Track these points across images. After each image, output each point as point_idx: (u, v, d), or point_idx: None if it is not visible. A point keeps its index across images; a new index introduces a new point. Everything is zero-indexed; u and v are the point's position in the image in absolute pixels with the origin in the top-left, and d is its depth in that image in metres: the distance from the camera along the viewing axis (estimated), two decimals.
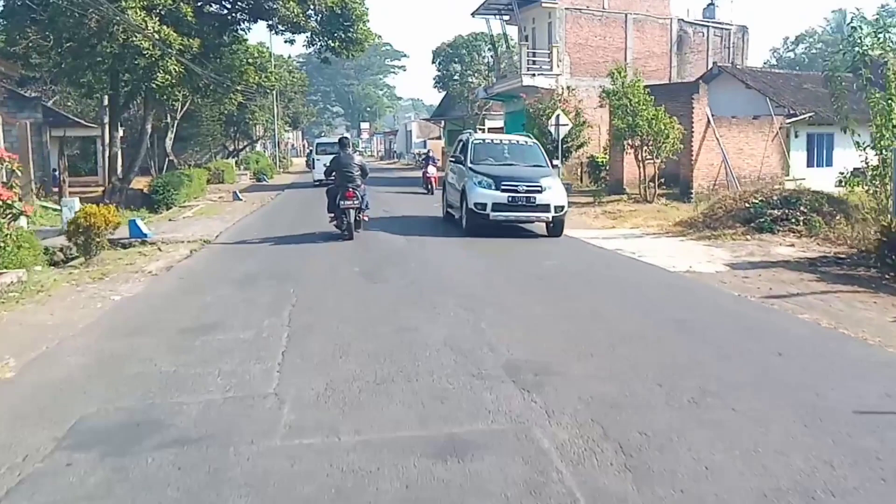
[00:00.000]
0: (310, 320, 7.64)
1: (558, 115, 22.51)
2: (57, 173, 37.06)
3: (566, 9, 32.66)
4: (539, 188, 14.49)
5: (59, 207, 20.15)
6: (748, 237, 14.62)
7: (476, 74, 46.72)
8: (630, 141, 23.15)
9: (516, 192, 14.35)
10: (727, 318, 8.10)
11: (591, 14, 33.34)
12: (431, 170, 27.16)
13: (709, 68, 33.68)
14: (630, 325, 7.51)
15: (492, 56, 47.24)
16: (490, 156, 16.07)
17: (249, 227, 17.35)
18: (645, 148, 22.83)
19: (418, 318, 7.73)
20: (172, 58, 23.14)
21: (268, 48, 44.96)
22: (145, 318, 8.02)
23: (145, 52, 22.14)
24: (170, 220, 20.16)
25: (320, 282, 10.06)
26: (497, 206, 14.34)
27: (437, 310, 8.09)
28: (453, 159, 17.47)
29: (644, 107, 22.48)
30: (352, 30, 26.98)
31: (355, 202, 14.01)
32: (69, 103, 43.28)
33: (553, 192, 14.67)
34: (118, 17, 21.45)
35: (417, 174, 44.00)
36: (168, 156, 37.59)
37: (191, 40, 23.95)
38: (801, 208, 15.43)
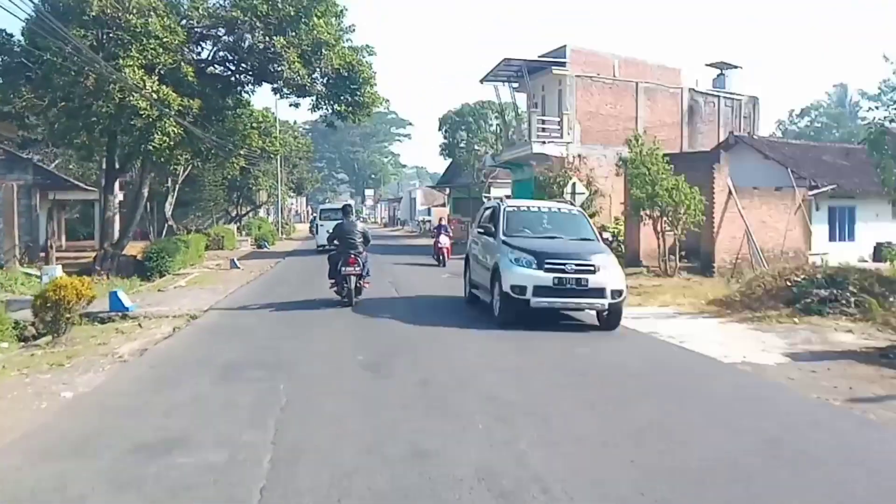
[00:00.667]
0: (300, 435, 5.92)
1: (574, 184, 21.12)
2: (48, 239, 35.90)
3: (577, 76, 31.68)
4: (591, 267, 11.62)
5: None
6: (795, 320, 12.91)
7: (482, 142, 45.76)
8: (648, 211, 21.68)
9: (563, 272, 11.46)
10: (824, 434, 6.39)
11: (601, 82, 32.37)
12: (444, 240, 24.86)
13: (724, 138, 32.54)
14: (712, 449, 5.77)
15: (499, 124, 46.41)
16: (526, 227, 13.16)
17: (243, 300, 15.76)
18: (664, 219, 21.36)
19: (439, 432, 5.99)
20: (171, 119, 21.92)
21: (273, 113, 44.12)
22: (94, 425, 6.32)
23: (142, 113, 20.91)
24: (159, 290, 18.55)
25: (317, 375, 8.38)
26: (539, 290, 11.41)
27: (462, 420, 6.36)
28: (481, 230, 14.23)
29: (664, 175, 21.10)
30: (358, 93, 25.84)
31: (356, 269, 13.97)
32: (70, 166, 42.22)
33: (608, 272, 11.81)
34: (115, 76, 20.30)
35: (423, 242, 42.82)
36: (167, 221, 36.24)
37: (191, 101, 22.78)
38: (851, 288, 13.82)
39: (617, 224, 29.88)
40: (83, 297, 11.47)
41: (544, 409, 6.85)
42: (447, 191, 58.50)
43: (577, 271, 11.53)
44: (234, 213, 50.34)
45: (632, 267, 23.36)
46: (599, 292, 11.58)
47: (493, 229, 13.06)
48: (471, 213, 46.03)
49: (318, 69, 26.04)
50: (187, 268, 25.93)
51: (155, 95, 21.09)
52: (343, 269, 13.88)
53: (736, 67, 38.12)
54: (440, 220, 29.12)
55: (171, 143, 22.80)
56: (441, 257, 24.72)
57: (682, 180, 20.79)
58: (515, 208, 13.87)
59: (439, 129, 47.72)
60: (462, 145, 46.59)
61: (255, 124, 35.24)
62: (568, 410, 6.82)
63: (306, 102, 28.56)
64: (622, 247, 29.60)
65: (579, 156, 29.64)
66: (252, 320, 12.86)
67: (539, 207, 14.53)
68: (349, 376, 8.21)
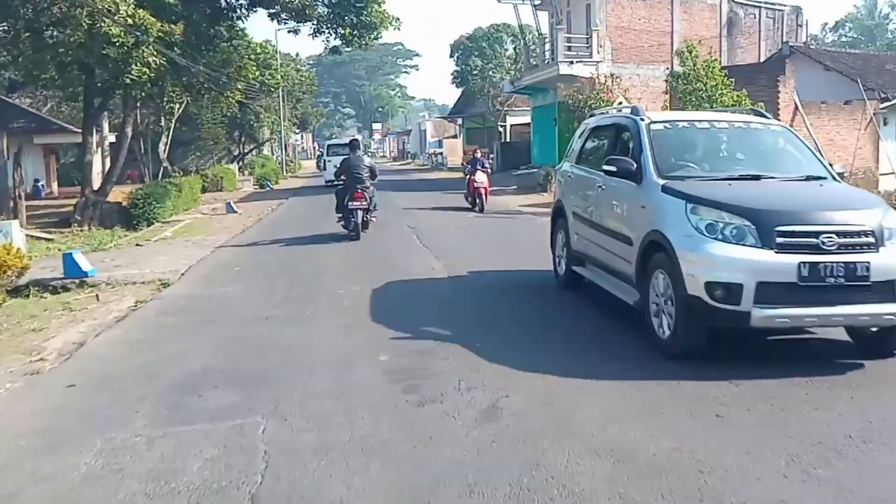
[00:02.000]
0: None
1: (621, 105, 17.72)
2: (39, 185, 32.81)
3: None
4: (869, 238, 5.54)
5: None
6: None
7: (498, 68, 41.91)
8: None
9: (819, 250, 5.42)
10: None
11: None
12: (481, 177, 19.01)
13: (767, 53, 28.96)
14: None
15: (517, 47, 42.51)
16: (696, 159, 7.13)
17: (230, 258, 12.75)
18: None
19: None
20: (150, 47, 18.57)
21: (273, 45, 40.36)
22: None
23: (116, 41, 17.59)
24: (138, 244, 15.51)
25: (318, 398, 5.20)
26: (771, 291, 5.41)
27: None
28: (587, 168, 8.33)
29: (723, 91, 17.78)
30: (364, 13, 22.31)
31: (363, 203, 13.82)
32: (63, 108, 38.94)
33: None
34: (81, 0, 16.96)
35: (438, 176, 39.36)
36: (162, 162, 33.03)
37: (172, 26, 19.38)
38: None
39: None
40: (10, 268, 8.48)
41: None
42: (459, 122, 54.81)
43: (843, 248, 5.44)
44: (236, 153, 47.02)
45: None
46: (890, 290, 5.46)
47: (630, 166, 6.78)
48: (485, 143, 42.57)
49: None
50: (180, 214, 22.92)
51: (130, 21, 17.70)
52: (350, 203, 13.68)
53: None
54: (474, 152, 21.39)
55: (152, 74, 19.51)
56: (479, 200, 19.09)
57: (744, 95, 17.50)
58: (667, 125, 7.41)
59: (451, 56, 43.86)
60: (475, 72, 42.74)
61: (252, 56, 31.89)
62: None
63: (307, 29, 25.12)
64: None
65: (612, 75, 26.05)
66: (238, 289, 9.83)
67: (710, 122, 7.68)
68: (373, 399, 5.09)
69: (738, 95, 17.37)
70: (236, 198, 28.57)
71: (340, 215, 14.27)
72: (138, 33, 17.70)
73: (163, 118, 32.45)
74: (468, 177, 19.64)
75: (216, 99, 28.68)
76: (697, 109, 17.82)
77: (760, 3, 32.39)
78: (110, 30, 17.23)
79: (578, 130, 9.26)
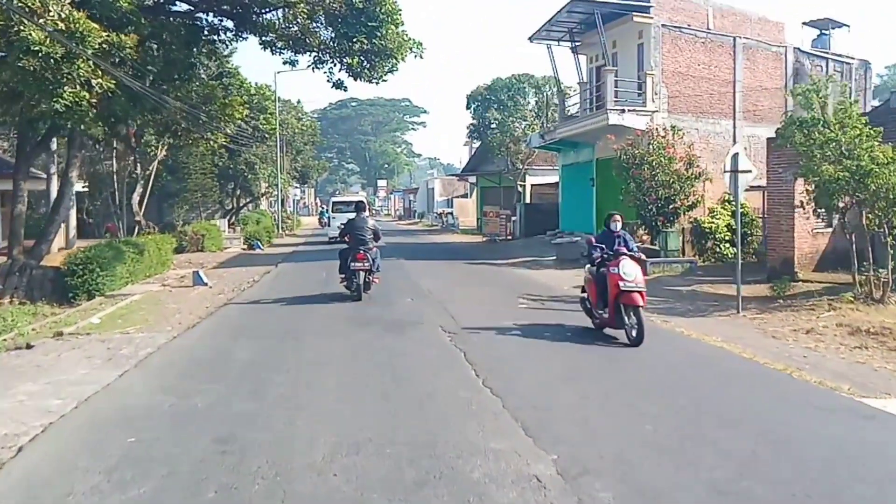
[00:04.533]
0: None
1: (736, 157, 12.33)
2: None
3: (663, 26, 23.01)
4: None
5: None
6: None
7: (519, 122, 37.05)
8: (841, 199, 13.15)
9: None
10: None
11: (692, 35, 23.66)
12: (631, 270, 9.17)
13: (885, 100, 23.92)
14: None
15: (538, 101, 37.74)
16: None
17: (140, 400, 7.16)
18: (865, 211, 12.81)
19: None
20: (88, 62, 13.44)
21: (269, 87, 35.53)
22: None
23: (36, 49, 12.44)
24: (58, 333, 10.12)
25: None
26: None
27: None
28: None
29: (868, 144, 12.58)
30: (378, 34, 17.19)
31: (366, 264, 13.31)
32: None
33: None
34: None
35: (452, 239, 33.69)
36: (136, 216, 27.71)
37: (122, 36, 14.29)
38: None
39: (712, 218, 21.39)
40: None
41: None
42: (471, 180, 49.83)
43: None
44: (230, 207, 41.81)
45: (775, 279, 14.79)
46: None
47: None
48: (502, 204, 37.39)
49: (319, 6, 17.56)
50: (138, 282, 17.60)
51: (62, 25, 12.64)
52: (353, 264, 13.32)
53: (842, 26, 29.40)
54: (608, 218, 10.30)
55: (93, 100, 14.30)
56: (635, 320, 8.96)
57: None
58: None
59: (467, 108, 38.96)
60: (493, 126, 37.84)
61: (243, 95, 26.98)
62: None
63: (306, 60, 20.09)
64: (751, 249, 21.13)
65: (673, 128, 21.00)
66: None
67: None
68: None
69: (894, 149, 12.23)
70: (217, 261, 23.20)
71: (343, 276, 13.74)
72: (72, 42, 12.57)
73: (138, 165, 27.21)
74: (595, 269, 9.88)
75: (198, 144, 23.49)
76: (838, 164, 12.59)
77: (828, 54, 27.65)
78: (30, 35, 12.10)
79: None
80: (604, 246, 9.75)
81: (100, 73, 14.30)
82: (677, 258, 18.70)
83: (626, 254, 9.42)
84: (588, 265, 10.35)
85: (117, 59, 16.33)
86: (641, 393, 6.61)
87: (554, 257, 22.17)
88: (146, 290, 16.20)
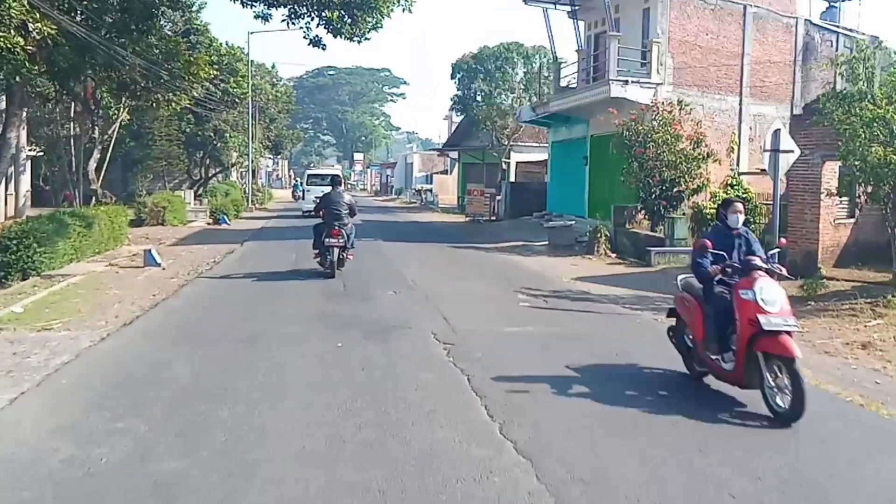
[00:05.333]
0: None
1: (777, 133, 10.35)
2: None
3: None
4: None
5: None
6: None
7: (507, 93, 34.95)
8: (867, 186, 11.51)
9: None
10: None
11: (702, 1, 21.77)
12: (773, 294, 5.68)
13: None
14: None
15: (527, 72, 35.66)
16: None
17: (57, 418, 5.25)
18: None
19: None
20: (22, 1, 11.34)
21: (242, 49, 33.08)
22: None
23: None
24: None
25: None
26: None
27: None
28: None
29: None
30: None
31: (340, 240, 12.95)
32: None
33: None
34: None
35: (432, 218, 31.48)
36: (91, 184, 25.38)
37: None
38: None
39: (713, 203, 19.66)
40: None
41: None
42: (452, 155, 47.77)
43: None
44: (198, 177, 39.41)
45: (803, 276, 13.10)
46: None
47: None
48: (484, 181, 35.43)
49: None
50: (85, 260, 15.55)
51: None
52: (327, 239, 12.85)
53: None
54: (728, 209, 6.58)
55: (31, 48, 12.20)
56: (794, 392, 5.36)
57: None
58: None
59: (452, 77, 36.70)
60: (479, 98, 35.74)
61: (213, 56, 24.72)
62: None
63: (281, 14, 18.01)
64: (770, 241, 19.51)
65: (680, 102, 19.20)
66: None
67: None
68: None
69: None
70: (177, 237, 21.08)
71: (317, 251, 13.37)
72: None
73: (97, 129, 24.84)
74: (705, 286, 6.35)
75: (159, 105, 21.21)
76: (884, 147, 10.89)
77: (838, 28, 25.91)
78: None
79: None
80: (724, 254, 6.18)
81: (38, 15, 12.20)
82: (685, 248, 16.97)
83: (759, 267, 5.91)
84: (683, 278, 6.91)
85: (62, 3, 14.22)
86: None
87: (545, 242, 20.36)
88: (90, 271, 14.12)
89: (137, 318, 9.29)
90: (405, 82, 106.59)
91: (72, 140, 27.53)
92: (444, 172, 53.87)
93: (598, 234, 18.21)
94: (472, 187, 30.36)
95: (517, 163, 36.41)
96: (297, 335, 8.12)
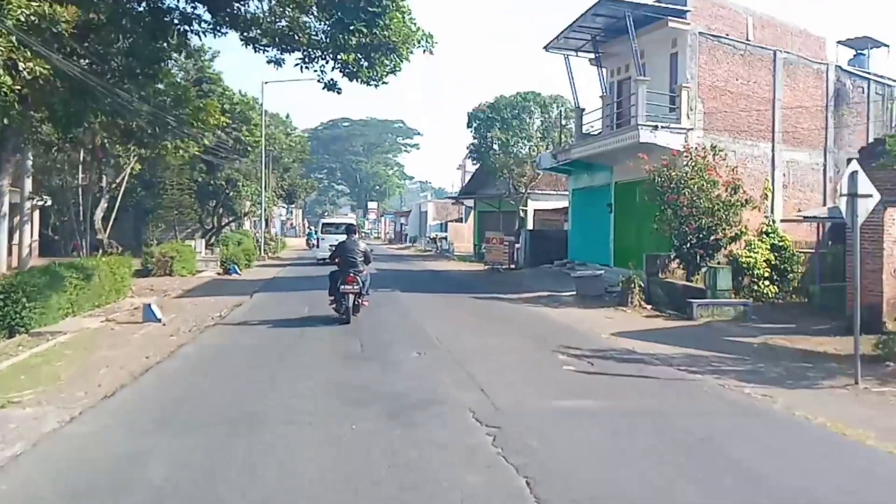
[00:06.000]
0: None
1: (855, 175, 8.99)
2: None
3: (700, 34, 20.00)
4: None
5: None
6: None
7: (524, 142, 33.90)
8: None
9: None
10: None
11: (731, 46, 20.64)
12: None
13: (875, 136, 21.12)
14: None
15: (543, 121, 34.66)
16: None
17: None
18: None
19: None
20: (10, 37, 10.25)
21: (256, 99, 32.26)
22: None
23: None
24: None
25: None
26: None
27: None
28: None
29: None
30: (379, 22, 13.98)
31: (355, 287, 12.87)
32: None
33: None
34: None
35: (450, 267, 29.51)
36: (97, 234, 24.25)
37: (58, 7, 11.09)
38: None
39: (750, 251, 18.24)
40: None
41: None
42: (467, 203, 46.62)
43: None
44: (210, 226, 38.31)
45: (870, 332, 11.54)
46: None
47: None
48: (501, 229, 34.05)
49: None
50: (82, 314, 14.25)
51: None
52: (342, 286, 12.79)
53: (881, 45, 26.65)
54: None
55: (19, 87, 11.07)
56: None
57: None
58: None
59: (468, 126, 35.76)
60: (495, 147, 34.69)
61: (225, 104, 23.76)
62: None
63: (294, 59, 16.87)
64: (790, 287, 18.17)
65: (713, 147, 17.91)
66: None
67: None
68: None
69: None
70: (184, 288, 19.77)
71: (332, 298, 13.20)
72: None
73: (104, 177, 23.76)
74: None
75: (167, 153, 20.11)
76: None
77: (869, 76, 24.75)
78: None
79: None
80: None
81: (28, 53, 11.08)
82: (729, 300, 15.48)
83: None
84: None
85: (62, 46, 13.14)
86: None
87: (573, 292, 18.89)
88: (83, 327, 12.78)
89: (122, 389, 7.88)
90: (419, 133, 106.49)
91: (80, 189, 26.51)
92: (459, 220, 52.70)
93: (632, 285, 16.74)
94: (491, 235, 28.99)
95: (535, 210, 35.17)
96: (306, 415, 6.66)
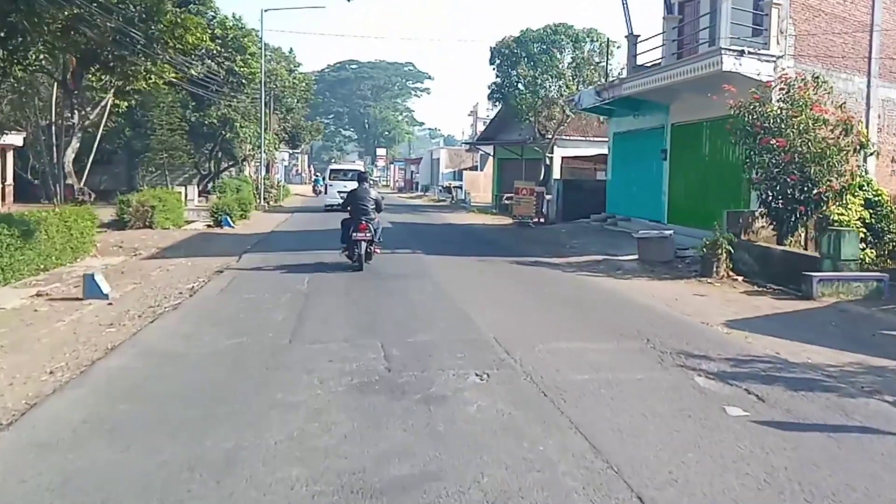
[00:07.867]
0: None
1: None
2: None
3: None
4: None
5: None
6: None
7: (553, 80, 29.65)
8: None
9: None
10: None
11: None
12: None
13: None
14: None
15: (574, 57, 30.37)
16: None
17: None
18: None
19: None
20: None
21: (255, 31, 27.99)
22: None
23: None
24: None
25: None
26: None
27: None
28: None
29: None
30: None
31: (367, 234, 12.70)
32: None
33: None
34: None
35: (472, 220, 25.39)
36: (67, 178, 20.41)
37: None
38: None
39: (843, 209, 14.42)
40: None
41: None
42: (484, 149, 42.55)
43: None
44: (207, 171, 34.42)
45: None
46: None
47: None
48: (523, 178, 30.04)
49: None
50: (12, 283, 10.60)
51: None
52: (354, 234, 12.59)
53: None
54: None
55: None
56: None
57: None
58: None
59: (490, 63, 31.45)
60: (521, 86, 30.44)
61: (216, 29, 19.65)
62: None
63: None
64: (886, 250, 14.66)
65: (816, 79, 13.93)
66: None
67: None
68: None
69: None
70: (160, 245, 16.03)
71: (345, 246, 12.94)
72: None
73: (76, 112, 19.79)
74: None
75: (137, 78, 16.11)
76: None
77: None
78: None
79: None
80: None
81: None
82: (858, 273, 11.69)
83: None
84: None
85: None
86: None
87: (632, 256, 15.16)
88: (20, 303, 9.12)
89: (11, 423, 4.18)
90: (429, 77, 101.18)
91: (52, 128, 22.64)
92: (473, 168, 48.72)
93: (719, 250, 12.92)
94: (521, 185, 25.08)
95: (563, 158, 31.14)
96: None
